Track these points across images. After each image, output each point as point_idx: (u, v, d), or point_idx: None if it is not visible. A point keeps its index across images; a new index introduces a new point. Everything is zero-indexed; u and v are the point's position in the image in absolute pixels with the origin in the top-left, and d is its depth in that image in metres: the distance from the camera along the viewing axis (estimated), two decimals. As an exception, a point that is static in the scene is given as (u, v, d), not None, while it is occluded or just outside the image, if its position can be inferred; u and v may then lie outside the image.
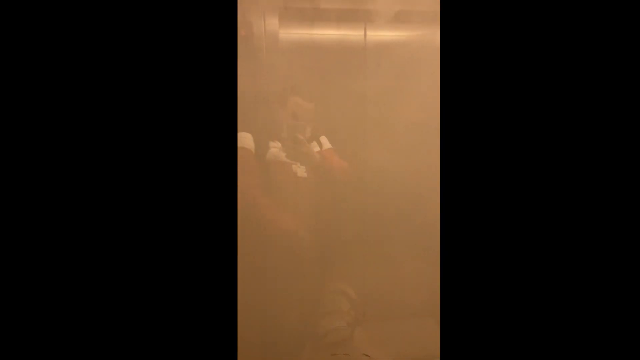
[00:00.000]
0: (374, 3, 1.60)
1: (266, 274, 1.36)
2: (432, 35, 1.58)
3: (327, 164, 1.45)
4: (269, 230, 1.35)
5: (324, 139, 1.48)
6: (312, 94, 1.45)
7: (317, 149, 1.46)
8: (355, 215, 1.52)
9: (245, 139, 1.35)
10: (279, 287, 1.35)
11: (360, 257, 1.58)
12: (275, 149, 1.39)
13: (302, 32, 1.65)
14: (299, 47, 1.63)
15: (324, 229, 1.46)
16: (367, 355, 1.38)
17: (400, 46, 1.67)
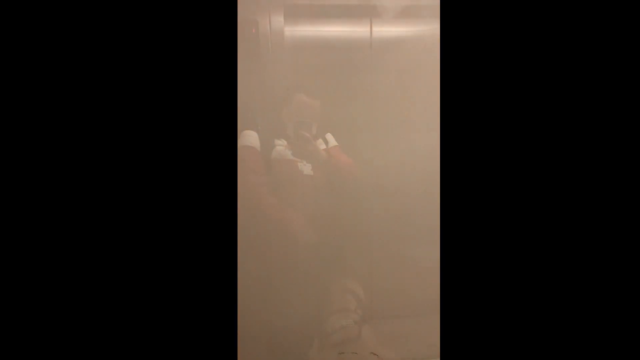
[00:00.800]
0: (380, -2, 1.59)
1: (273, 272, 1.36)
2: (438, 30, 1.56)
3: (333, 162, 1.44)
4: (276, 229, 1.35)
5: (329, 137, 1.48)
6: (318, 91, 1.44)
7: (323, 146, 1.45)
8: (362, 213, 1.51)
9: (250, 137, 1.35)
10: (286, 285, 1.35)
11: (367, 255, 1.57)
12: (281, 147, 1.38)
13: (308, 29, 1.64)
14: (305, 44, 1.62)
15: (330, 226, 1.45)
16: (375, 354, 1.37)
17: (407, 42, 1.66)
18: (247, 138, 1.34)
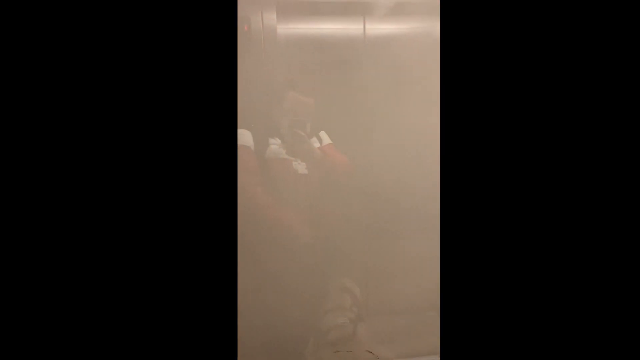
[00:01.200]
0: (373, -5, 1.59)
1: (268, 271, 1.35)
2: (432, 27, 1.56)
3: (327, 160, 1.43)
4: (271, 228, 1.35)
5: (323, 134, 1.47)
6: (312, 89, 1.43)
7: (316, 144, 1.45)
8: (356, 211, 1.51)
9: (244, 137, 1.34)
10: (281, 284, 1.35)
11: (362, 252, 1.57)
12: (275, 145, 1.37)
13: (301, 27, 1.63)
14: (298, 41, 1.62)
15: (325, 225, 1.45)
16: (371, 352, 1.38)
17: (400, 39, 1.66)
18: (241, 137, 1.34)
